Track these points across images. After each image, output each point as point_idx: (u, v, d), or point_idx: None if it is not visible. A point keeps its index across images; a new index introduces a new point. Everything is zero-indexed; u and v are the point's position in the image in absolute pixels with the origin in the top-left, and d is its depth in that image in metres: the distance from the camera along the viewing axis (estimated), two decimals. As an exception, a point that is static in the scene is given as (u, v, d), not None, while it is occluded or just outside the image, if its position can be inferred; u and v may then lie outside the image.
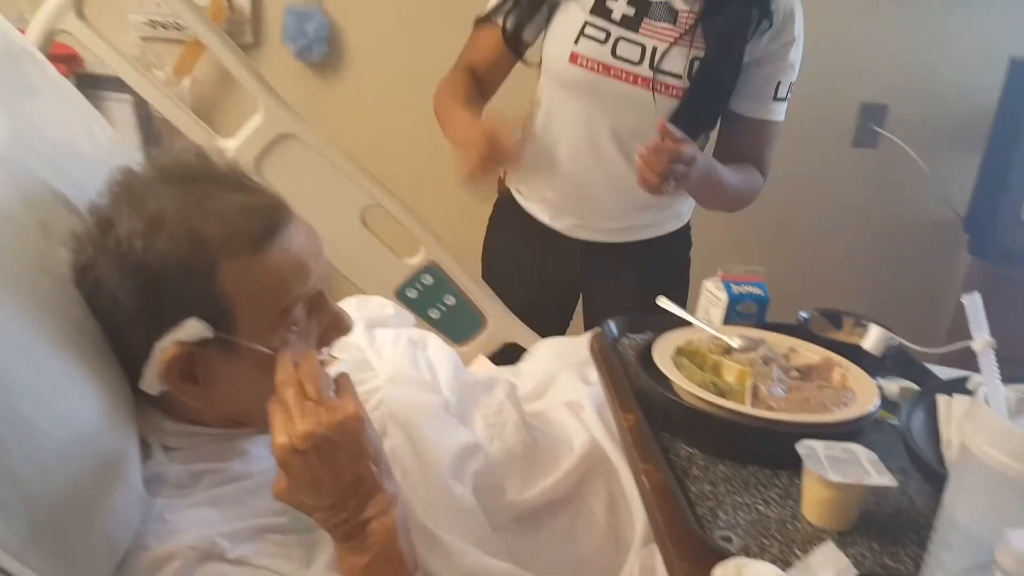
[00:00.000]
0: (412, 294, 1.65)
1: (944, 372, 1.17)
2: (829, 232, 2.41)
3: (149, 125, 1.93)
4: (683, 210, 1.59)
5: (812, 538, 0.82)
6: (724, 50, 1.36)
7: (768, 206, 2.35)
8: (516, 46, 1.46)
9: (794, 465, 0.86)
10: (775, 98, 1.43)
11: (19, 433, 0.67)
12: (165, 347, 0.79)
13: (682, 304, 1.60)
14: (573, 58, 1.37)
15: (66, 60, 1.88)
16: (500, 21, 1.44)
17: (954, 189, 2.24)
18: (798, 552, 0.80)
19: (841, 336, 1.18)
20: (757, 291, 1.18)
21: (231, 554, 0.77)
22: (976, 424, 0.64)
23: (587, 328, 1.68)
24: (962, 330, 2.53)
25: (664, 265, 1.60)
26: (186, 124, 1.52)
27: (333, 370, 1.02)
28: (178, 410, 0.86)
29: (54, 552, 0.68)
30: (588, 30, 1.36)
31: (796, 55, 1.41)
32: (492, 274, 1.70)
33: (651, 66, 1.35)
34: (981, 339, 0.67)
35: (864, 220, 2.34)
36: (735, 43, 1.36)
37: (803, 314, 1.19)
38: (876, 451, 0.96)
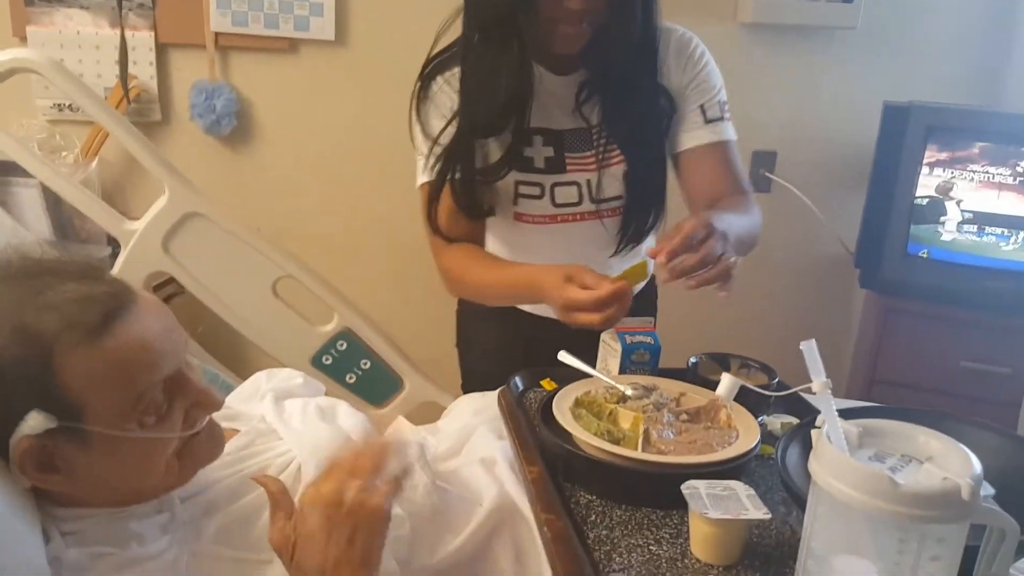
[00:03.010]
0: (328, 361, 1.68)
1: (846, 404, 1.24)
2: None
3: (58, 209, 1.93)
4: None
5: (699, 574, 0.88)
6: (642, 150, 1.35)
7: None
8: (480, 214, 1.39)
9: (684, 505, 0.91)
10: (707, 121, 1.37)
11: None
12: (15, 443, 0.79)
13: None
14: (518, 217, 1.39)
15: (-31, 148, 1.88)
16: (457, 203, 1.36)
17: (844, 227, 2.37)
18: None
19: (728, 378, 1.26)
20: (649, 340, 1.25)
21: None
22: (821, 460, 0.71)
23: None
24: (865, 362, 2.63)
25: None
26: (91, 208, 1.54)
27: (234, 442, 1.05)
28: (65, 495, 0.87)
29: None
30: (522, 189, 1.36)
31: (706, 77, 1.37)
32: (469, 348, 1.63)
33: (592, 199, 1.36)
34: (818, 381, 0.74)
35: (763, 261, 2.46)
36: (649, 136, 1.35)
37: (692, 359, 1.26)
38: (762, 485, 1.03)
